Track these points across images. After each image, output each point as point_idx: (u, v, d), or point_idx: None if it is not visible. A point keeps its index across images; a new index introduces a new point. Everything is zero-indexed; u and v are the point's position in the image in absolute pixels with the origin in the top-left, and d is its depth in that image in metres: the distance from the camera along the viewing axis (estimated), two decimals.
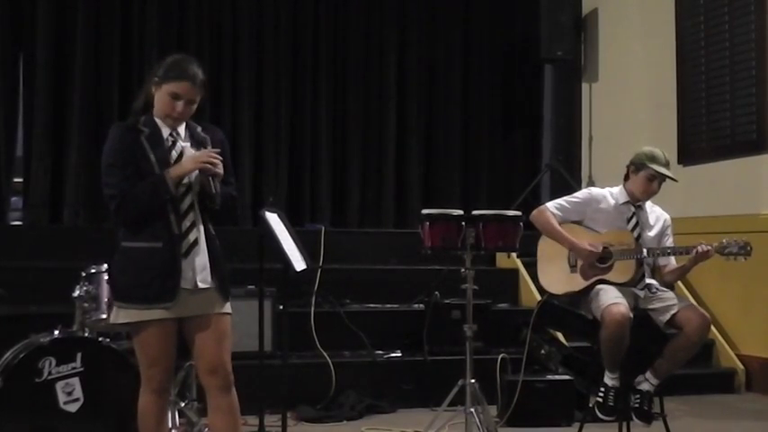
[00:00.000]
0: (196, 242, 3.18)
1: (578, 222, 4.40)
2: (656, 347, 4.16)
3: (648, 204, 4.42)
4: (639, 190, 4.32)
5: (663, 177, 4.27)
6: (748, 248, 4.01)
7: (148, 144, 3.16)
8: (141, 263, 3.14)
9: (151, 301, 3.12)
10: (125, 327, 3.33)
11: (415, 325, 5.74)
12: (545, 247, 4.43)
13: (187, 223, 3.18)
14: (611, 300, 4.09)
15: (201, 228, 3.21)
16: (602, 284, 4.22)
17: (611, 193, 4.40)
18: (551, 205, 4.42)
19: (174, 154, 3.19)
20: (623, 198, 4.36)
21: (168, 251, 3.13)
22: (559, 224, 4.35)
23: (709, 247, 4.05)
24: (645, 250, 4.18)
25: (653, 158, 4.27)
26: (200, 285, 3.18)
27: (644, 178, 4.28)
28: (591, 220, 4.37)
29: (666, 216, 4.44)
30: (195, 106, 3.23)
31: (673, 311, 4.16)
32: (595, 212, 4.36)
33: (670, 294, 4.26)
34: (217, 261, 3.23)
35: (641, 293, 4.28)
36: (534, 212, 4.43)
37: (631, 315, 4.06)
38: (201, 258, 3.19)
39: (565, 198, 4.48)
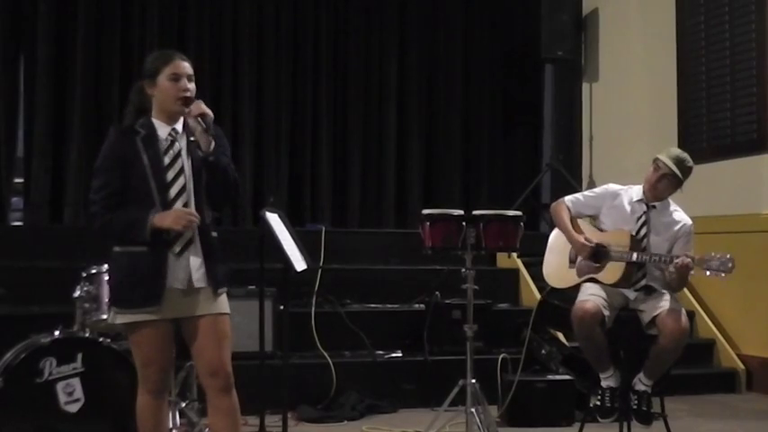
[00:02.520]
0: (191, 242, 3.16)
1: (594, 217, 4.39)
2: (645, 348, 4.12)
3: (672, 206, 4.31)
4: (648, 184, 4.24)
5: (669, 171, 4.14)
6: (729, 265, 3.82)
7: (143, 145, 3.15)
8: (128, 267, 3.14)
9: (137, 306, 3.11)
10: (123, 327, 3.33)
11: (416, 325, 5.74)
12: (555, 238, 4.42)
13: None
14: (583, 297, 4.11)
15: (196, 227, 3.16)
16: (589, 283, 4.20)
17: (630, 191, 4.33)
18: (568, 198, 4.42)
19: (167, 159, 3.16)
20: (637, 196, 4.30)
21: (154, 255, 3.11)
22: (573, 218, 4.33)
23: (689, 260, 3.92)
24: (635, 255, 4.09)
25: (665, 152, 4.22)
26: (196, 285, 3.16)
27: (651, 170, 4.23)
28: (605, 216, 4.34)
29: (686, 221, 4.27)
30: (193, 83, 3.22)
31: (654, 313, 4.11)
32: (610, 209, 4.33)
33: (664, 297, 4.15)
34: (211, 259, 3.20)
35: (633, 294, 4.24)
36: (553, 204, 4.46)
37: (605, 313, 4.05)
38: (196, 258, 3.16)
39: (583, 192, 4.50)
